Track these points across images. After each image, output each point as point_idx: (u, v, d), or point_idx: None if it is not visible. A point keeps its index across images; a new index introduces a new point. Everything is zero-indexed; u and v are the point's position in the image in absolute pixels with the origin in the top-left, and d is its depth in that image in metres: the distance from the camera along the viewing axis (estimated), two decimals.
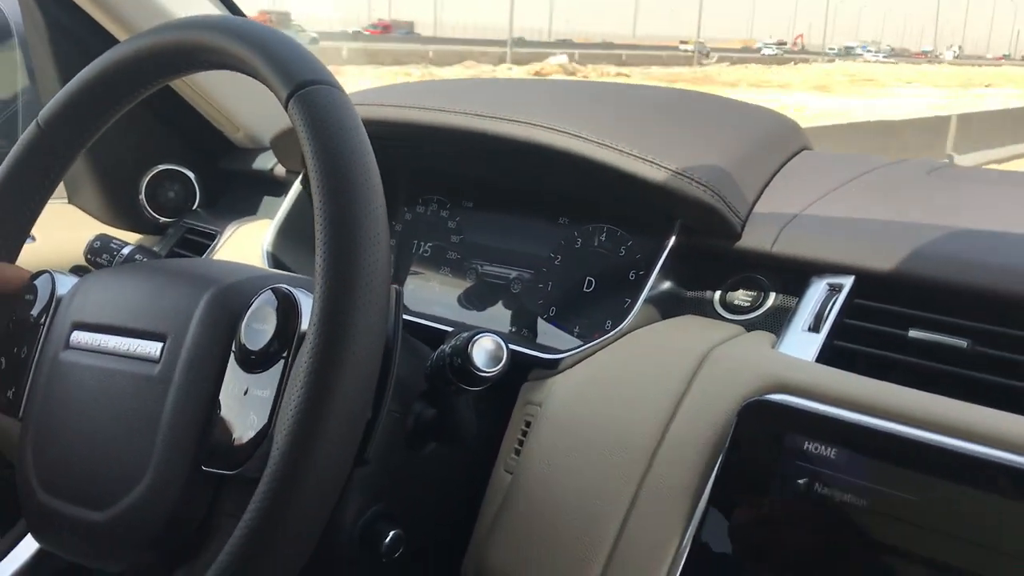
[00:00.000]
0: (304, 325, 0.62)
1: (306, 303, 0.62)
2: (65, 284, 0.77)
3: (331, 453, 0.55)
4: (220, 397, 0.64)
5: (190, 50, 0.66)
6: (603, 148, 0.84)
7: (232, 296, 0.67)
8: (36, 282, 0.78)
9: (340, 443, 0.55)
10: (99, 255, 0.92)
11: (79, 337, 0.72)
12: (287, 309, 0.63)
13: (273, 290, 0.64)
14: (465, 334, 0.68)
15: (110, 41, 1.14)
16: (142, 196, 1.28)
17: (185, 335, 0.66)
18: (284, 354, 0.62)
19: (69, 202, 1.33)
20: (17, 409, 0.75)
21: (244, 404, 0.62)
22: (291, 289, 0.63)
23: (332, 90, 0.60)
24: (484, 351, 0.67)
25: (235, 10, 1.25)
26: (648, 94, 1.05)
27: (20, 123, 1.30)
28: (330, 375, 0.54)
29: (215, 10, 1.21)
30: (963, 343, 0.68)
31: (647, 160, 0.82)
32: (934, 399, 0.63)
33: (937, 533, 0.58)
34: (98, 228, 1.28)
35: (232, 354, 0.64)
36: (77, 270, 0.85)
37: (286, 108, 0.59)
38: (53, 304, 0.76)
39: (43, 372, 0.73)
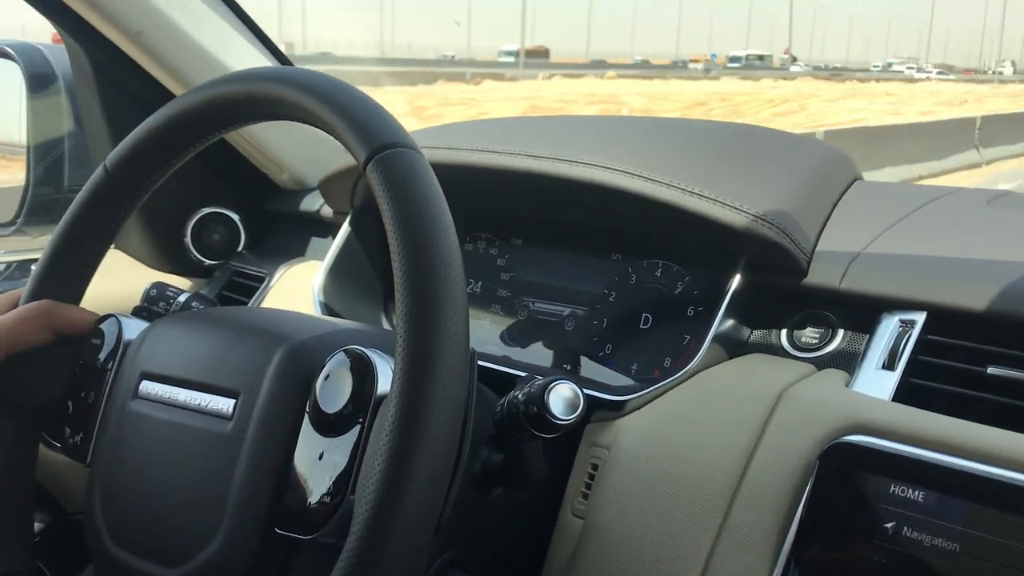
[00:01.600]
0: (380, 389, 0.61)
1: (381, 366, 0.62)
2: (131, 328, 0.77)
3: (411, 525, 0.55)
4: (294, 459, 0.63)
5: (264, 101, 0.66)
6: (666, 187, 0.83)
7: (305, 354, 0.67)
8: (102, 326, 0.78)
9: (420, 514, 0.55)
10: (155, 303, 0.92)
11: (148, 388, 0.72)
12: (362, 371, 0.62)
13: (346, 351, 0.64)
14: (540, 381, 0.67)
15: (158, 88, 1.15)
16: (188, 239, 1.29)
17: (258, 393, 0.65)
18: (360, 419, 0.61)
19: (115, 247, 1.33)
20: (84, 455, 0.75)
21: (319, 468, 0.62)
22: (365, 351, 0.63)
23: (412, 154, 0.60)
24: (562, 399, 0.67)
25: (284, 60, 1.26)
26: (697, 128, 1.05)
27: (66, 168, 1.31)
28: (412, 449, 0.54)
29: (267, 62, 1.22)
30: None
31: (711, 199, 0.81)
32: (1020, 438, 0.62)
33: None
34: (144, 272, 1.29)
35: (307, 415, 0.64)
36: (138, 311, 0.86)
37: (364, 170, 0.59)
38: (120, 349, 0.76)
39: (111, 420, 0.73)
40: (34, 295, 0.77)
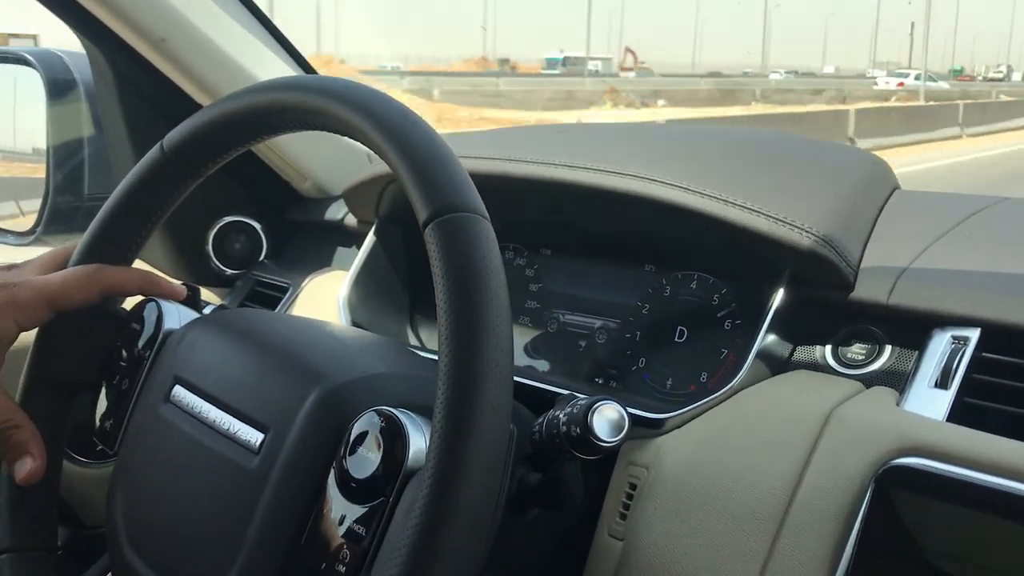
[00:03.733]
0: (411, 458, 0.59)
1: (413, 433, 0.60)
2: (172, 315, 0.77)
3: None
4: (317, 516, 0.62)
5: (337, 120, 0.64)
6: (710, 200, 0.81)
7: (340, 401, 0.65)
8: (144, 312, 0.78)
9: None
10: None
11: (180, 394, 0.71)
12: (393, 437, 0.60)
13: (378, 412, 0.62)
14: (583, 401, 0.65)
15: (180, 96, 1.14)
16: (209, 248, 1.27)
17: (288, 433, 0.64)
18: (387, 490, 0.59)
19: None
20: (113, 442, 0.75)
21: (339, 531, 0.60)
22: (397, 415, 0.61)
23: (478, 221, 0.57)
24: (607, 420, 0.64)
25: (308, 68, 1.25)
26: (732, 136, 1.03)
27: (86, 176, 1.29)
28: (441, 537, 0.52)
29: (292, 70, 1.20)
30: None
31: (756, 211, 0.79)
32: None
33: None
34: None
35: (333, 471, 0.62)
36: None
37: (423, 229, 0.57)
38: (160, 337, 0.76)
39: (140, 417, 0.73)
40: (84, 257, 0.76)
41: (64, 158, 1.31)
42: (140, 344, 0.77)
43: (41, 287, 0.72)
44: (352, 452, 0.61)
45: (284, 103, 0.68)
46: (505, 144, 1.01)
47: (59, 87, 1.29)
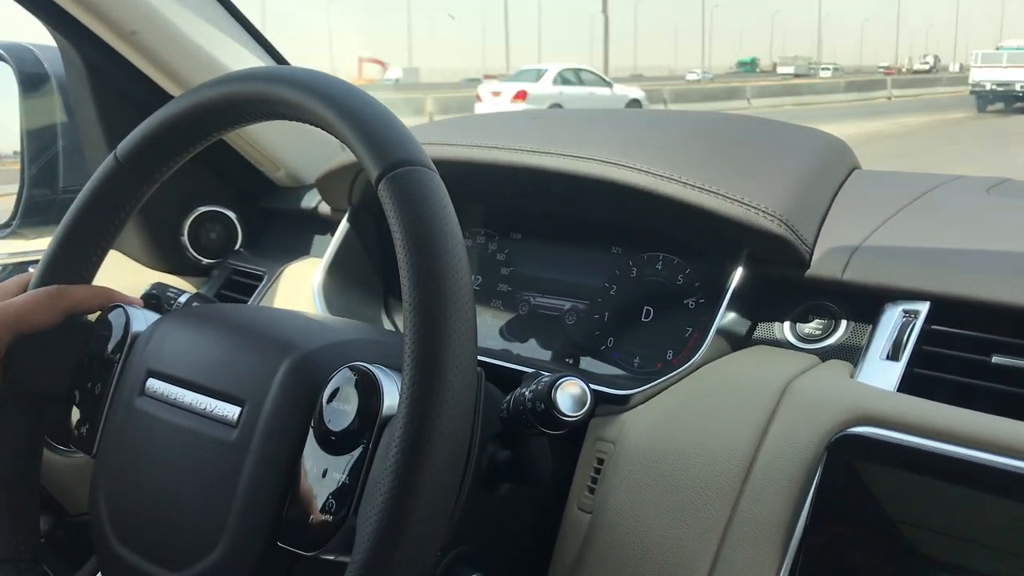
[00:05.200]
0: (386, 407, 0.61)
1: (386, 384, 0.62)
2: (139, 319, 0.78)
3: (415, 547, 0.55)
4: (298, 474, 0.64)
5: (280, 103, 0.66)
6: (668, 182, 0.84)
7: (312, 366, 0.67)
8: (109, 317, 0.79)
9: (424, 537, 0.56)
10: (157, 303, 0.92)
11: (155, 386, 0.72)
12: (367, 389, 0.62)
13: (352, 368, 0.64)
14: (547, 378, 0.68)
15: (153, 88, 1.15)
16: (184, 238, 1.29)
17: (263, 403, 0.66)
18: (365, 439, 0.61)
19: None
20: (91, 446, 0.76)
21: (322, 485, 0.62)
22: (370, 369, 0.63)
23: (426, 173, 0.60)
24: (569, 396, 0.67)
25: (280, 60, 1.26)
26: (695, 120, 1.05)
27: (61, 169, 1.30)
28: (416, 475, 0.54)
29: (263, 61, 1.22)
30: None
31: (714, 192, 0.82)
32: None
33: None
34: (140, 272, 1.29)
35: (312, 430, 0.64)
36: (148, 304, 0.86)
37: (376, 185, 0.59)
38: (128, 340, 0.77)
39: (117, 415, 0.74)
40: (43, 280, 0.78)
41: (39, 151, 1.32)
42: (109, 349, 0.78)
43: (1, 313, 0.74)
44: (328, 408, 0.63)
45: (232, 96, 0.69)
46: (475, 131, 1.03)
47: (31, 81, 1.30)
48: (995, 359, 0.70)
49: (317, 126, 0.64)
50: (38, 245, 1.30)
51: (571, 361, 0.96)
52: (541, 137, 0.95)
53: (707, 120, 1.05)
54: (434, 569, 0.72)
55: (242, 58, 1.16)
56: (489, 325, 1.03)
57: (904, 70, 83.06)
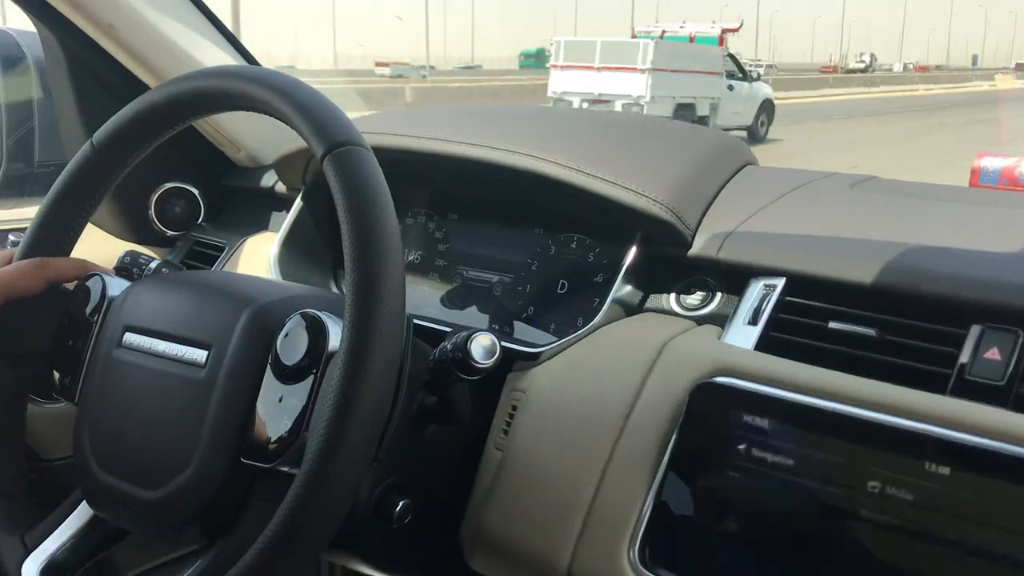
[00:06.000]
0: (331, 346, 0.74)
1: (332, 327, 0.75)
2: (114, 286, 0.89)
3: (354, 455, 0.67)
4: (258, 402, 0.76)
5: (238, 97, 0.79)
6: (576, 173, 0.98)
7: (268, 314, 0.79)
8: (88, 283, 0.90)
9: (361, 447, 0.68)
10: (129, 269, 1.04)
11: (131, 339, 0.83)
12: (316, 331, 0.75)
13: (303, 314, 0.76)
14: (464, 332, 0.81)
15: (128, 76, 1.25)
16: (151, 212, 1.40)
17: (228, 346, 0.77)
18: (314, 370, 0.74)
19: None
20: (73, 395, 0.87)
21: (279, 409, 0.74)
22: (319, 314, 0.76)
23: (362, 151, 0.72)
24: (481, 347, 0.80)
25: (247, 55, 1.37)
26: (609, 119, 1.20)
27: (36, 145, 1.40)
28: (355, 396, 0.67)
29: (232, 58, 1.33)
30: (872, 332, 0.82)
31: (613, 182, 0.96)
32: (848, 378, 0.77)
33: (850, 488, 0.73)
34: (109, 241, 1.40)
35: (269, 366, 0.76)
36: (119, 273, 0.98)
37: (321, 163, 0.72)
38: (104, 304, 0.88)
39: (98, 365, 0.85)
40: (28, 253, 0.90)
41: (15, 128, 1.41)
42: (88, 311, 0.88)
43: None
44: (283, 347, 0.75)
45: (199, 91, 0.82)
46: (416, 123, 1.16)
47: (9, 64, 1.39)
48: (832, 324, 0.84)
49: (272, 116, 0.76)
50: (14, 215, 1.40)
51: (497, 327, 1.10)
52: (471, 130, 1.09)
53: (618, 119, 1.20)
54: (368, 497, 0.85)
55: (211, 54, 1.28)
56: (427, 295, 1.17)
57: (839, 69, 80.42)
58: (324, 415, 0.67)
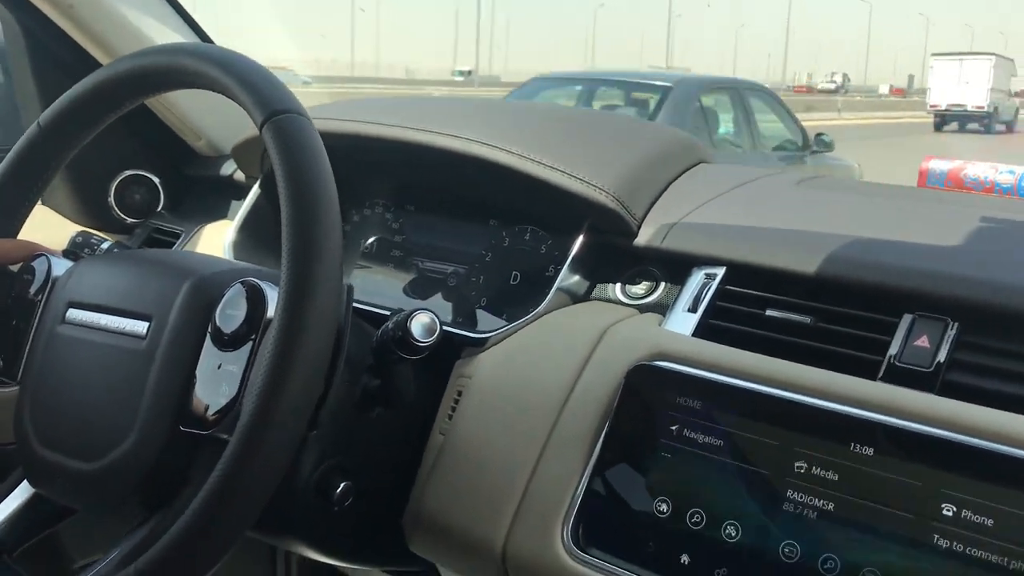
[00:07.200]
0: (270, 313, 0.75)
1: (271, 295, 0.76)
2: (59, 266, 0.89)
3: (288, 420, 0.68)
4: (197, 370, 0.76)
5: (178, 72, 0.79)
6: (526, 160, 0.99)
7: (209, 285, 0.79)
8: (33, 263, 0.90)
9: (296, 412, 0.69)
10: (81, 249, 1.03)
11: (74, 314, 0.84)
12: (255, 299, 0.76)
13: (243, 283, 0.77)
14: (405, 311, 0.82)
15: (85, 57, 1.26)
16: (111, 198, 1.40)
17: (168, 317, 0.78)
18: (252, 337, 0.75)
19: (43, 204, 1.43)
20: (15, 373, 0.87)
21: (217, 376, 0.75)
22: (259, 282, 0.77)
23: (301, 119, 0.73)
24: (421, 324, 0.81)
25: (204, 36, 1.38)
26: (562, 112, 1.21)
27: None
28: (289, 358, 0.67)
29: (187, 36, 1.34)
30: (807, 319, 0.84)
31: (562, 171, 0.97)
32: (782, 363, 0.79)
33: (779, 468, 0.74)
34: (67, 226, 1.40)
35: (208, 335, 0.77)
36: (65, 255, 0.98)
37: (260, 131, 0.72)
38: (49, 284, 0.88)
39: (40, 342, 0.85)
40: None
41: None
42: (32, 291, 0.88)
43: None
44: (222, 315, 0.76)
45: (142, 68, 0.82)
46: (372, 111, 1.17)
47: None
48: (768, 312, 0.86)
49: (215, 90, 0.77)
50: None
51: (451, 316, 1.11)
52: (425, 118, 1.10)
53: (575, 114, 1.21)
54: (309, 476, 0.85)
55: (169, 34, 1.29)
56: (383, 284, 1.18)
57: (811, 89, 77.06)
58: (258, 381, 0.67)
